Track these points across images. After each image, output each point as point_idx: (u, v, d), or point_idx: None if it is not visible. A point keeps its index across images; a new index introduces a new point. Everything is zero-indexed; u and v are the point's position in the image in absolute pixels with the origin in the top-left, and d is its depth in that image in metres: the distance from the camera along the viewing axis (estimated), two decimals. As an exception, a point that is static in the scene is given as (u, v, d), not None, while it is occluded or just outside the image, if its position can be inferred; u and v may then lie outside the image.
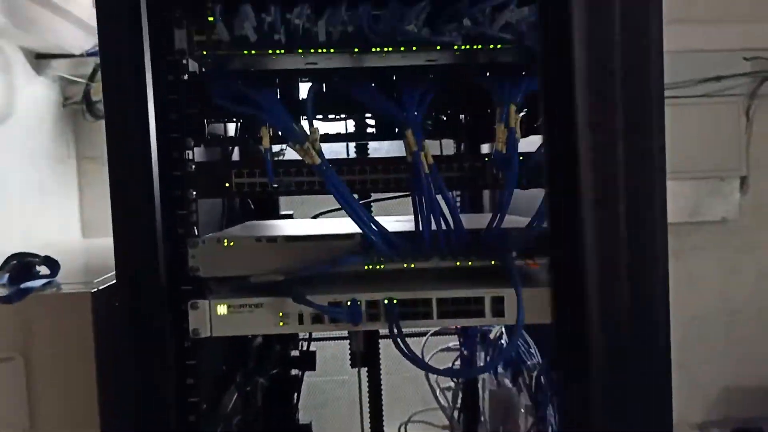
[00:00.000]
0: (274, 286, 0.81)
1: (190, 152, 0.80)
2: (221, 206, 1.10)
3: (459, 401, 1.68)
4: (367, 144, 1.25)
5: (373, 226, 0.73)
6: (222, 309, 0.81)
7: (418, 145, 0.74)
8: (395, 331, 0.78)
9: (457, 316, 0.82)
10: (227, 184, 0.81)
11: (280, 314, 0.81)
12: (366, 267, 0.81)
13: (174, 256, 0.80)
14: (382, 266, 0.80)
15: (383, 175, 0.81)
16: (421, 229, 0.76)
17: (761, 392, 2.56)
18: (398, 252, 0.77)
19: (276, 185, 0.78)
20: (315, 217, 1.27)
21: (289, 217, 1.63)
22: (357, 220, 0.72)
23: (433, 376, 1.74)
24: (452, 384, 1.74)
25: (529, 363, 1.20)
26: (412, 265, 0.81)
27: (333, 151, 0.90)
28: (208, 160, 0.83)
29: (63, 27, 1.65)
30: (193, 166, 0.80)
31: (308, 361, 1.68)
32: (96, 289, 0.84)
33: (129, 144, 0.75)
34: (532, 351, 1.22)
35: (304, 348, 1.71)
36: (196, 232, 0.82)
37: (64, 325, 0.83)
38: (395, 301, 0.81)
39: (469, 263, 0.81)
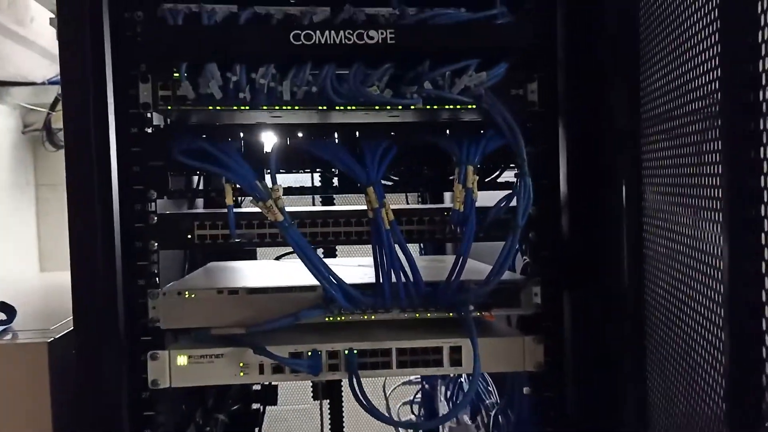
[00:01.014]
0: (235, 337, 0.82)
1: (153, 204, 0.81)
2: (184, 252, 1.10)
3: (420, 435, 1.70)
4: (333, 196, 1.27)
5: (333, 280, 0.75)
6: (182, 360, 0.81)
7: (379, 202, 0.76)
8: (354, 381, 0.80)
9: (416, 365, 0.84)
10: (189, 236, 0.81)
11: (241, 364, 0.82)
12: (328, 319, 0.82)
13: (134, 306, 0.80)
14: (342, 318, 0.82)
15: (345, 228, 0.83)
16: (381, 281, 0.78)
17: None
18: (358, 305, 0.79)
19: (238, 239, 0.79)
20: (278, 258, 1.28)
21: (253, 252, 1.64)
22: (318, 276, 0.74)
23: (394, 409, 1.75)
24: (413, 418, 1.75)
25: (487, 402, 1.22)
26: (373, 317, 0.83)
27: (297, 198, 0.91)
28: (171, 212, 0.84)
29: (25, 56, 1.63)
30: (156, 218, 0.80)
31: (269, 395, 1.68)
32: (52, 339, 0.83)
33: (90, 195, 0.76)
34: (491, 389, 1.25)
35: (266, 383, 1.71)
36: (157, 282, 0.82)
37: (20, 375, 0.82)
38: (355, 352, 0.82)
39: (428, 315, 0.83)
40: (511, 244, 0.75)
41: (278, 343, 0.82)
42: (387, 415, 0.77)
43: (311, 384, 1.85)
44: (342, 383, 1.89)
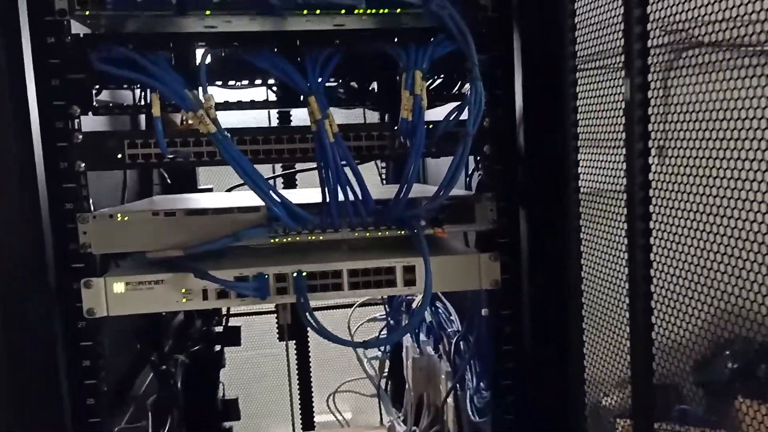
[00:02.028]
0: (176, 262, 0.77)
1: (77, 121, 0.75)
2: (122, 180, 1.04)
3: (386, 370, 1.69)
4: (289, 113, 1.21)
5: (276, 197, 0.70)
6: (119, 287, 0.76)
7: (322, 113, 0.71)
8: (302, 303, 0.76)
9: (368, 286, 0.80)
10: (119, 155, 0.75)
11: (183, 290, 0.77)
12: (273, 240, 0.78)
13: (62, 232, 0.75)
14: (288, 239, 0.77)
15: (288, 145, 0.78)
16: (328, 199, 0.73)
17: None
18: (304, 224, 0.75)
19: (171, 155, 0.74)
20: (230, 190, 1.23)
21: (209, 191, 1.57)
22: (258, 192, 0.69)
23: (360, 349, 1.74)
24: (379, 354, 1.75)
25: (449, 330, 1.21)
26: (321, 238, 0.79)
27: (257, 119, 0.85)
28: (98, 130, 0.77)
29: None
30: (80, 137, 0.74)
31: (232, 336, 1.65)
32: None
33: (4, 112, 0.69)
34: (453, 318, 1.23)
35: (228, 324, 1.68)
36: (89, 207, 0.77)
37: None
38: (304, 274, 0.79)
39: (378, 234, 0.79)
40: (462, 153, 0.71)
41: (223, 268, 0.78)
42: (331, 335, 0.74)
43: (276, 325, 1.83)
44: (307, 323, 1.87)
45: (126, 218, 0.76)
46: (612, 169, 0.66)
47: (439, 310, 1.27)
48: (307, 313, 0.75)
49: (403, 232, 0.80)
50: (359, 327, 1.71)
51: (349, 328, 1.66)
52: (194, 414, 1.53)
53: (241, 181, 1.22)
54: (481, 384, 0.97)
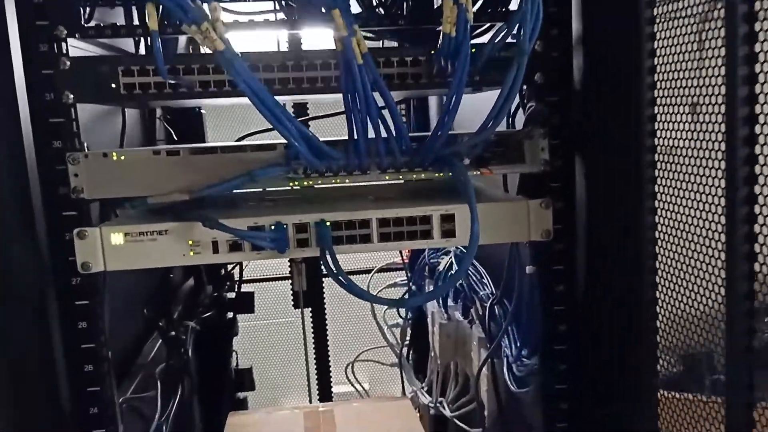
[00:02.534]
0: (182, 210, 0.67)
1: (63, 44, 0.64)
2: (120, 128, 0.93)
3: (407, 338, 1.61)
4: (300, 39, 1.09)
5: (297, 130, 0.60)
6: (117, 238, 0.66)
7: (348, 30, 0.60)
8: (328, 257, 0.66)
9: (400, 238, 0.70)
10: (113, 85, 0.65)
11: (190, 242, 0.67)
12: (292, 184, 0.68)
13: (50, 175, 0.65)
14: (309, 182, 0.67)
15: (308, 73, 0.67)
16: (356, 134, 0.63)
17: None
18: (328, 163, 0.64)
19: (173, 81, 0.63)
20: (240, 140, 1.12)
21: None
22: (277, 124, 0.58)
23: (380, 314, 1.64)
24: (400, 321, 1.65)
25: (481, 293, 1.11)
26: (347, 182, 0.68)
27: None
28: (87, 54, 0.67)
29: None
30: (68, 63, 0.64)
31: (245, 302, 1.56)
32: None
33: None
34: (485, 282, 1.13)
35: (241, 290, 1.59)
36: (81, 145, 0.67)
37: None
38: (328, 223, 0.69)
39: (414, 176, 0.69)
40: (516, 76, 0.59)
41: (235, 217, 0.68)
42: (366, 294, 0.64)
43: (291, 292, 1.74)
44: (324, 289, 1.78)
45: (123, 157, 0.65)
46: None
47: (469, 272, 1.17)
48: (333, 268, 0.65)
49: (440, 175, 0.69)
50: (379, 292, 1.62)
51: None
52: (206, 384, 1.46)
53: (252, 131, 1.12)
54: (523, 351, 0.87)
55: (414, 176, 0.69)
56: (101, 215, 0.73)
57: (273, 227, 0.68)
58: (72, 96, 0.64)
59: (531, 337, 0.86)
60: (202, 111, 1.41)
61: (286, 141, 0.65)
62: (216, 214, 0.68)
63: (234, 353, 1.62)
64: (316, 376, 1.74)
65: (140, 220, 0.68)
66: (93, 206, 0.69)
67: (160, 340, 1.11)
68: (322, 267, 0.67)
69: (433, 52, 0.67)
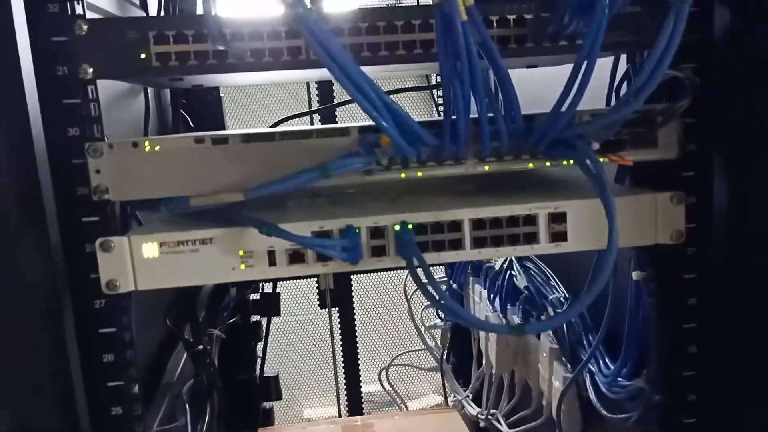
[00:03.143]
0: (229, 214, 0.53)
1: (78, 4, 0.50)
2: (143, 112, 0.79)
3: (448, 341, 1.48)
4: None
5: (384, 107, 0.46)
6: (150, 249, 0.53)
7: (449, -25, 0.46)
8: (417, 267, 0.53)
9: (498, 243, 0.56)
10: (143, 55, 0.51)
11: (241, 253, 0.54)
12: (366, 175, 0.54)
13: (66, 170, 0.51)
14: (403, 174, 0.53)
15: (401, 35, 0.53)
16: (454, 116, 0.49)
17: None
18: (421, 146, 0.50)
19: (221, 47, 0.49)
20: (275, 125, 0.98)
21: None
22: (362, 98, 0.44)
23: (417, 313, 1.51)
24: (437, 322, 1.52)
25: (551, 297, 0.98)
26: (438, 172, 0.55)
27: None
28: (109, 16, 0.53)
29: None
30: (85, 27, 0.50)
31: (272, 305, 1.43)
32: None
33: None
34: (553, 283, 1.00)
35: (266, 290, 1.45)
36: (101, 133, 0.53)
37: None
38: (410, 226, 0.55)
39: (519, 165, 0.55)
40: (674, 30, 0.45)
41: (293, 220, 0.54)
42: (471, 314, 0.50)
43: (317, 290, 1.61)
44: (352, 287, 1.65)
45: (157, 147, 0.52)
46: None
47: (531, 272, 1.04)
48: (425, 283, 0.51)
49: (549, 164, 0.56)
50: (415, 291, 1.49)
51: (405, 293, 1.44)
52: (230, 396, 1.33)
53: (283, 116, 0.98)
54: (623, 371, 0.74)
55: (520, 165, 0.55)
56: (126, 219, 0.60)
57: (343, 232, 0.54)
58: (91, 70, 0.50)
59: (632, 355, 0.72)
60: (222, 95, 1.27)
61: (359, 125, 0.51)
62: (263, 215, 0.54)
63: (258, 359, 1.49)
64: (344, 381, 1.62)
65: (176, 225, 0.55)
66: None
67: (185, 354, 0.98)
68: (412, 280, 0.53)
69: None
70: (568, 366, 0.90)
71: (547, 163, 0.55)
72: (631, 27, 0.54)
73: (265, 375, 1.49)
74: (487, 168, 0.55)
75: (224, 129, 1.35)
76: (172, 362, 0.98)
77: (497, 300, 1.15)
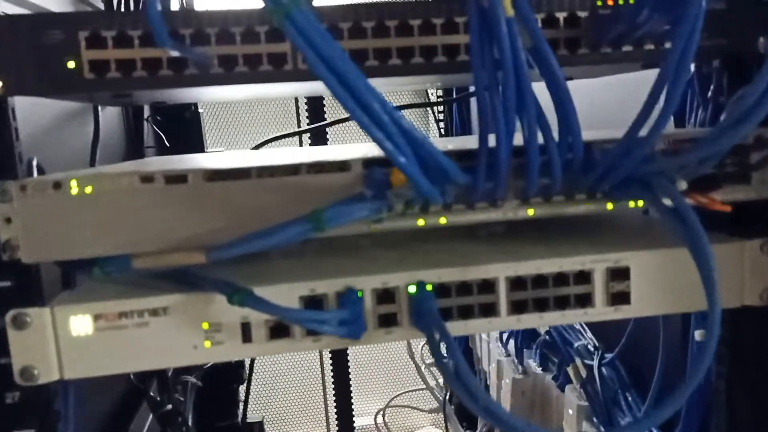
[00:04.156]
0: (187, 274, 0.40)
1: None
2: (93, 136, 0.65)
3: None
4: None
5: (401, 135, 0.33)
6: (82, 324, 0.39)
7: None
8: (440, 341, 0.40)
9: (543, 307, 0.43)
10: (71, 64, 0.37)
11: (206, 326, 0.40)
12: (373, 225, 0.40)
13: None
14: (421, 221, 0.40)
15: (424, 39, 0.40)
16: (495, 143, 0.36)
17: None
18: (446, 190, 0.37)
19: (177, 53, 0.36)
20: (258, 147, 0.85)
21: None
22: (370, 123, 0.31)
23: (417, 351, 1.38)
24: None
25: (577, 344, 0.85)
26: (466, 217, 0.42)
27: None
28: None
29: None
30: (-10, 23, 0.36)
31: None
32: None
33: None
34: (578, 327, 0.87)
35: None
36: (31, 168, 0.40)
37: None
38: (429, 288, 0.42)
39: (575, 208, 0.42)
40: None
41: (274, 278, 0.41)
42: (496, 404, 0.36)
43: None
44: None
45: (89, 189, 0.38)
46: None
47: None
48: (451, 363, 0.38)
49: (610, 206, 0.43)
50: (424, 345, 1.35)
51: (410, 349, 1.30)
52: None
53: (271, 135, 0.85)
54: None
55: (574, 208, 0.42)
56: (52, 284, 0.46)
57: (341, 297, 0.41)
58: (0, 84, 0.37)
59: (691, 425, 0.60)
60: (200, 110, 1.14)
61: (362, 156, 0.39)
62: (235, 270, 0.41)
63: (240, 403, 1.35)
64: (336, 424, 1.47)
65: (118, 291, 0.41)
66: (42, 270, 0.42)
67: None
68: (432, 356, 0.40)
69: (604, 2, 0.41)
70: (602, 430, 0.77)
71: (609, 206, 0.42)
72: (719, 28, 0.42)
73: (248, 421, 1.35)
74: (531, 212, 0.42)
75: (203, 149, 1.21)
76: (138, 421, 0.84)
77: (511, 342, 1.02)
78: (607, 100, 0.74)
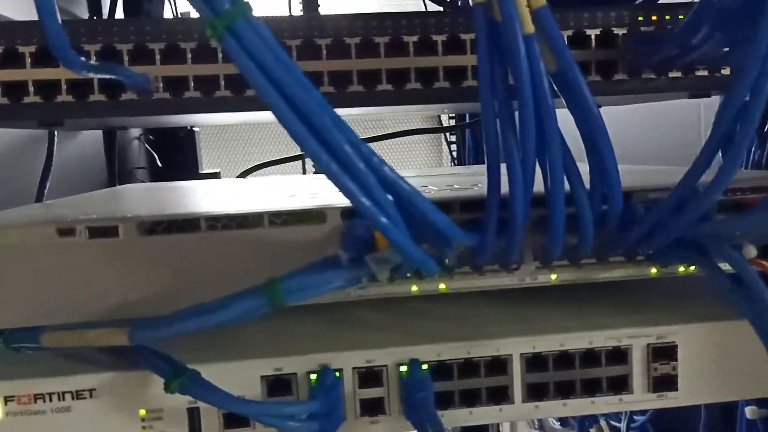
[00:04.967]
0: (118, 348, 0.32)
1: None
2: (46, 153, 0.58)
3: None
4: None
5: (380, 187, 0.24)
6: (-13, 409, 0.31)
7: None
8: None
9: (566, 392, 0.35)
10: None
11: (142, 413, 0.32)
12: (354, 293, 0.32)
13: None
14: (415, 288, 0.32)
15: (390, 61, 0.32)
16: (509, 192, 0.28)
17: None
18: (444, 252, 0.29)
19: (86, 73, 0.28)
20: (243, 175, 0.78)
21: (215, 176, 1.12)
22: (336, 172, 0.23)
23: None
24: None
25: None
26: (474, 282, 0.33)
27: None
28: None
29: None
30: None
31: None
32: None
33: None
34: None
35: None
36: None
37: None
38: (425, 367, 0.33)
39: (609, 274, 0.34)
40: None
41: (228, 353, 0.33)
42: None
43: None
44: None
45: (-13, 243, 0.30)
46: None
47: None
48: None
49: (654, 271, 0.34)
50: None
51: None
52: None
53: (259, 161, 0.78)
54: None
55: (607, 274, 0.34)
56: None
57: (315, 378, 0.33)
58: None
59: None
60: (195, 129, 1.07)
61: (341, 205, 0.31)
62: (189, 343, 0.33)
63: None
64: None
65: (33, 367, 0.33)
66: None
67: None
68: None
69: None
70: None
71: (652, 271, 0.34)
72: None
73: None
74: (553, 277, 0.33)
75: (198, 166, 1.14)
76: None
77: None
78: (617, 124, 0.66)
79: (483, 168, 0.32)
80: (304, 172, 1.22)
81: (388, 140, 0.87)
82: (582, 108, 0.27)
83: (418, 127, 0.89)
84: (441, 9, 0.52)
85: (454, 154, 1.20)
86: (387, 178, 0.24)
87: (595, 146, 0.28)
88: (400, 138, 0.74)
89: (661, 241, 0.30)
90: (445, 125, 1.18)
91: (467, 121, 1.02)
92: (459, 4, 0.55)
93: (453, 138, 1.25)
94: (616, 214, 0.29)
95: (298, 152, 1.01)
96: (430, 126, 1.16)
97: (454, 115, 1.11)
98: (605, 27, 0.34)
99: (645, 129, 0.61)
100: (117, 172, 0.84)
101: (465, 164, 1.14)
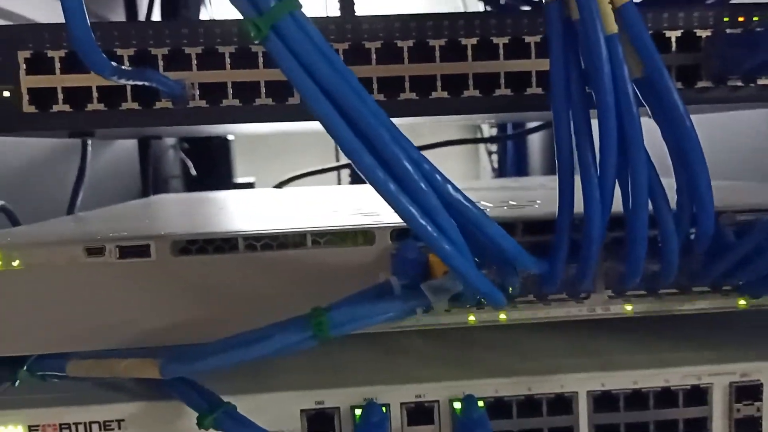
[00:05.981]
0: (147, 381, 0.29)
1: None
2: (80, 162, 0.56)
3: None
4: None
5: (444, 210, 0.22)
6: (9, 440, 0.29)
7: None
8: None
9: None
10: (5, 92, 0.28)
11: (173, 447, 0.30)
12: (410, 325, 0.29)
13: None
14: (472, 318, 0.29)
15: (450, 67, 0.29)
16: (584, 213, 0.24)
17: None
18: (518, 278, 0.26)
19: (119, 79, 0.25)
20: (280, 185, 0.75)
21: (249, 186, 1.11)
22: (390, 193, 0.20)
23: None
24: None
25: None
26: (501, 318, 0.30)
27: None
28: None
29: None
30: None
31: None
32: None
33: None
34: None
35: None
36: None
37: None
38: (481, 404, 0.30)
39: (694, 305, 0.30)
40: None
41: (267, 383, 0.30)
42: None
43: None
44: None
45: (17, 263, 0.28)
46: None
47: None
48: None
49: (745, 303, 0.30)
50: None
51: None
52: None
53: (298, 172, 0.76)
54: None
55: (691, 305, 0.30)
56: None
57: (358, 415, 0.30)
58: None
59: None
60: (230, 138, 1.06)
61: (392, 223, 0.28)
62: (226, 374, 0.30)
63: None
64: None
65: (59, 395, 0.31)
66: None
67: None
68: None
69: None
70: None
71: (741, 303, 0.30)
72: None
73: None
74: (628, 308, 0.29)
75: (232, 175, 1.13)
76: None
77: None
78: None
79: (532, 181, 0.29)
80: (339, 182, 1.20)
81: (425, 151, 0.84)
82: (672, 119, 0.24)
83: (458, 138, 0.86)
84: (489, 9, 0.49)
85: (495, 165, 1.16)
86: (451, 198, 0.21)
87: (686, 162, 0.24)
88: (431, 151, 0.71)
89: (760, 270, 0.26)
90: (485, 135, 1.14)
91: (510, 132, 0.98)
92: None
93: (493, 148, 1.21)
94: (706, 239, 0.26)
95: (335, 162, 0.99)
96: (467, 136, 1.12)
97: (495, 124, 1.07)
98: (687, 28, 0.30)
99: (710, 139, 0.57)
100: (151, 181, 0.83)
101: (506, 176, 1.10)
